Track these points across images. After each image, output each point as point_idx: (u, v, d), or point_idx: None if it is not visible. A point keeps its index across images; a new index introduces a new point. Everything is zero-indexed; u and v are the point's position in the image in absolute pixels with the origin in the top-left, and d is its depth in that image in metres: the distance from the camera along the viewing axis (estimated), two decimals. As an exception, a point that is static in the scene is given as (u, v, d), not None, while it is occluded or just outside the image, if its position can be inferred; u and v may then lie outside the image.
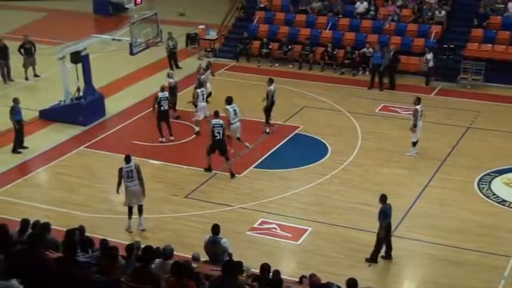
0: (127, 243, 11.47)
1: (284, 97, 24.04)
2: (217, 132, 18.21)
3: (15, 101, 19.71)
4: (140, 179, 15.68)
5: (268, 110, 21.13)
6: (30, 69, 25.83)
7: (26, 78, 25.79)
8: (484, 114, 22.67)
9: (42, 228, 11.35)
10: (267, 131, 21.19)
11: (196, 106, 20.78)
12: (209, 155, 18.59)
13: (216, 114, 18.79)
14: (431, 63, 25.27)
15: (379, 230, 14.60)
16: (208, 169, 18.75)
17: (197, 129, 20.99)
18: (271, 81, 21.03)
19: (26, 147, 19.96)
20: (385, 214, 14.51)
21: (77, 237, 11.22)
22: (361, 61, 26.49)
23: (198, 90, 20.84)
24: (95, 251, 11.39)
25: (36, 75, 25.95)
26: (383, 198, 14.62)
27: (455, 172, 18.81)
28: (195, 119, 20.92)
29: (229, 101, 19.35)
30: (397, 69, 25.44)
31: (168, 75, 22.52)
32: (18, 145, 19.82)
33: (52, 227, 11.97)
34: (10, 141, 19.96)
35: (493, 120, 22.16)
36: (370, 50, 25.98)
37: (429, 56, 25.28)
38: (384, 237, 14.63)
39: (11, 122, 19.68)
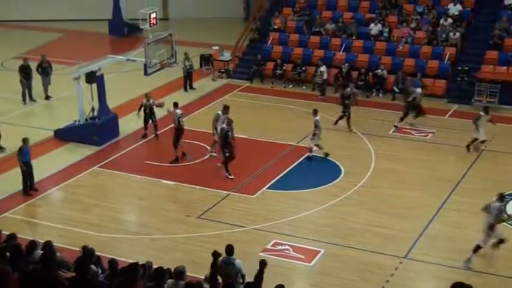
0: (140, 263, 11.43)
1: (297, 118, 24.11)
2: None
3: (24, 141, 18.79)
4: None
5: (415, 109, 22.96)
6: (45, 88, 26.02)
7: (47, 97, 26.00)
8: (499, 136, 22.53)
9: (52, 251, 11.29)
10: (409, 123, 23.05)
11: (314, 135, 20.65)
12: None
13: (176, 105, 20.75)
14: (325, 76, 26.29)
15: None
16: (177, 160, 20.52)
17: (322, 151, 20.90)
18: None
19: (36, 189, 18.90)
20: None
21: (94, 259, 11.26)
22: (374, 83, 26.50)
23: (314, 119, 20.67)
24: (104, 270, 11.41)
25: (47, 97, 26.02)
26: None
27: (470, 194, 18.66)
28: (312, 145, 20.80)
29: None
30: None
31: (146, 96, 22.33)
32: (27, 187, 18.78)
33: (65, 246, 11.99)
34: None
35: (508, 143, 22.02)
36: (384, 71, 26.04)
37: (323, 68, 26.34)
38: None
39: (18, 162, 18.69)
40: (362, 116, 24.38)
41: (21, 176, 18.77)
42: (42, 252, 10.93)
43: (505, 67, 25.66)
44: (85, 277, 9.10)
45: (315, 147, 20.82)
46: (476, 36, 27.32)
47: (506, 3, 27.74)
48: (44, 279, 8.72)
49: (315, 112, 20.85)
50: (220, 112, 20.58)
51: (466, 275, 14.86)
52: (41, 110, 25.60)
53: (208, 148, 21.00)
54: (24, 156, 18.69)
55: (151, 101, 22.15)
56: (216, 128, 20.44)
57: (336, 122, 22.95)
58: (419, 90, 23.66)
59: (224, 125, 19.78)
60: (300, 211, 17.87)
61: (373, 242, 16.33)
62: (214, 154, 20.76)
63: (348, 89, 23.24)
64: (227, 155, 19.55)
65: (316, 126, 20.63)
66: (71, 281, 8.89)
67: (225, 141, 19.50)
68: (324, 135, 22.60)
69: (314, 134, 20.73)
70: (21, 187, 18.86)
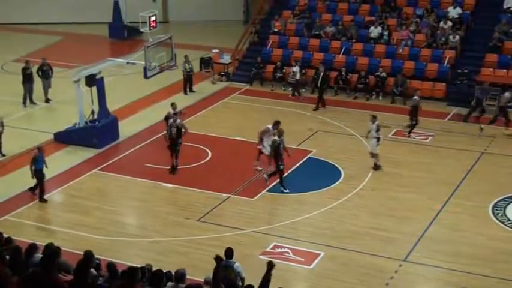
0: (139, 266, 11.43)
1: (297, 121, 24.12)
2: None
3: (40, 149, 18.68)
4: None
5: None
6: (46, 91, 26.03)
7: (47, 100, 25.99)
8: (499, 139, 22.57)
9: (54, 252, 11.31)
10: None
11: (378, 140, 20.21)
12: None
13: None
14: (298, 76, 26.45)
15: None
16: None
17: (378, 163, 20.41)
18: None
19: (35, 194, 18.65)
20: None
21: (94, 263, 11.25)
22: (374, 85, 26.53)
23: (375, 125, 20.25)
24: (103, 274, 11.40)
25: (47, 100, 25.99)
26: None
27: (469, 197, 18.67)
28: (372, 152, 20.37)
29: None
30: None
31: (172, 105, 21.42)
32: (42, 192, 18.56)
33: (65, 249, 11.97)
34: (26, 163, 19.42)
35: (508, 146, 22.04)
36: (384, 74, 26.11)
37: (295, 68, 26.48)
38: None
39: (30, 170, 18.35)
40: (362, 118, 24.38)
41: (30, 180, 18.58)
42: (42, 255, 10.94)
43: (504, 70, 25.67)
44: (85, 280, 9.11)
45: (377, 150, 20.26)
46: (475, 39, 27.34)
47: (505, 6, 27.78)
48: (44, 282, 8.73)
49: (374, 118, 20.35)
50: (270, 126, 19.80)
51: (465, 278, 14.91)
52: (41, 112, 25.61)
53: (255, 163, 20.12)
54: (38, 164, 18.41)
55: (178, 121, 20.26)
56: (261, 140, 19.82)
57: (409, 132, 22.74)
58: (507, 94, 23.30)
59: (276, 137, 19.05)
60: (300, 214, 17.87)
61: (373, 245, 16.33)
62: (259, 168, 20.01)
63: (416, 97, 22.85)
64: (281, 167, 18.96)
65: (378, 130, 20.05)
66: (71, 284, 8.89)
67: (277, 153, 18.87)
68: (325, 138, 22.66)
69: (378, 139, 20.13)
70: (21, 190, 18.86)
